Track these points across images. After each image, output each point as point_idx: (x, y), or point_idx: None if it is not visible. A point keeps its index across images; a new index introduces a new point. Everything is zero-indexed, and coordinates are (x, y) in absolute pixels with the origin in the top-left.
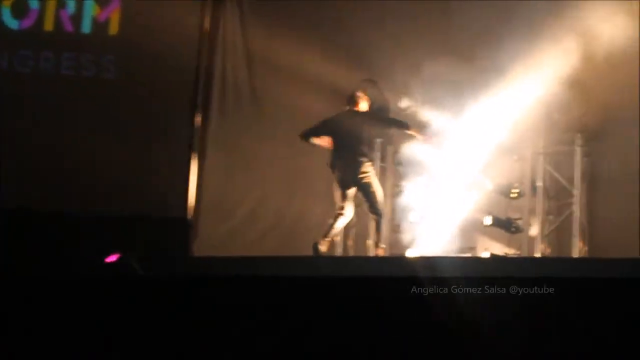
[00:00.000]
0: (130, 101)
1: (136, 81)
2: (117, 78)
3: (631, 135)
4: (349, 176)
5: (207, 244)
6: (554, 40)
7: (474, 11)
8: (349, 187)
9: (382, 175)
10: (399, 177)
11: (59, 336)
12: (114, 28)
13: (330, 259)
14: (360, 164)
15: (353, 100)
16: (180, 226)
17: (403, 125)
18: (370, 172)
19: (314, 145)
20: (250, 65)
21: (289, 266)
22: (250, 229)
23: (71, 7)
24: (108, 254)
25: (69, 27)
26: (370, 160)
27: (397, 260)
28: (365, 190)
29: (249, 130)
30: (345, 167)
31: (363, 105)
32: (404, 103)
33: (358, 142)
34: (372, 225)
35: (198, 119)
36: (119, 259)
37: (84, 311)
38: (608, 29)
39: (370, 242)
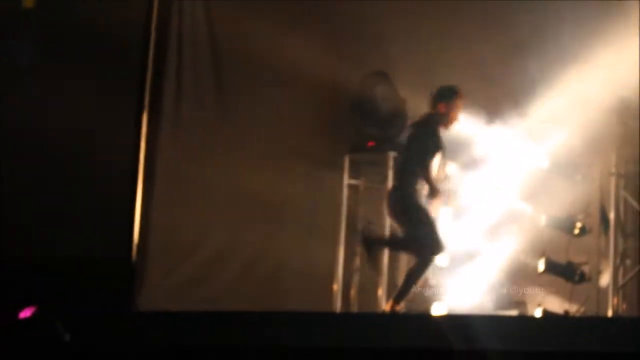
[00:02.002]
0: (58, 101)
1: (63, 71)
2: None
3: None
4: None
5: (157, 295)
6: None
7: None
8: None
9: None
10: None
11: None
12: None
13: (324, 316)
14: None
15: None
16: (121, 272)
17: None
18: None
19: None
20: (216, 54)
21: (268, 327)
22: (216, 277)
23: None
24: (22, 307)
25: None
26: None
27: (418, 320)
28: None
29: (213, 142)
30: None
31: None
32: None
33: None
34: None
35: (144, 126)
36: (34, 314)
37: None
38: None
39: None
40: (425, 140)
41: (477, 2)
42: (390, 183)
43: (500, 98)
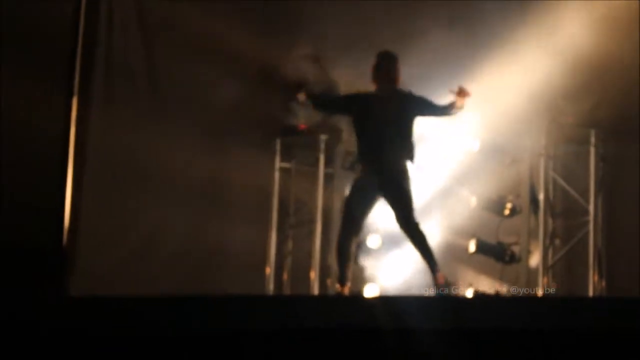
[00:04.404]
0: None
1: None
2: None
3: None
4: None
5: (90, 279)
6: (558, 8)
7: None
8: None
9: (328, 183)
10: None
11: None
12: None
13: (257, 299)
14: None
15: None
16: (51, 257)
17: (446, 110)
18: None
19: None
20: (146, 36)
21: (200, 311)
22: (149, 260)
23: None
24: None
25: None
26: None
27: (351, 301)
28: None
29: (144, 126)
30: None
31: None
32: None
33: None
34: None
35: (74, 111)
36: None
37: None
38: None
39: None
40: None
41: None
42: (322, 166)
43: (431, 79)
